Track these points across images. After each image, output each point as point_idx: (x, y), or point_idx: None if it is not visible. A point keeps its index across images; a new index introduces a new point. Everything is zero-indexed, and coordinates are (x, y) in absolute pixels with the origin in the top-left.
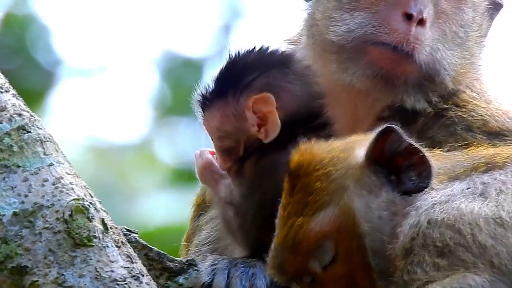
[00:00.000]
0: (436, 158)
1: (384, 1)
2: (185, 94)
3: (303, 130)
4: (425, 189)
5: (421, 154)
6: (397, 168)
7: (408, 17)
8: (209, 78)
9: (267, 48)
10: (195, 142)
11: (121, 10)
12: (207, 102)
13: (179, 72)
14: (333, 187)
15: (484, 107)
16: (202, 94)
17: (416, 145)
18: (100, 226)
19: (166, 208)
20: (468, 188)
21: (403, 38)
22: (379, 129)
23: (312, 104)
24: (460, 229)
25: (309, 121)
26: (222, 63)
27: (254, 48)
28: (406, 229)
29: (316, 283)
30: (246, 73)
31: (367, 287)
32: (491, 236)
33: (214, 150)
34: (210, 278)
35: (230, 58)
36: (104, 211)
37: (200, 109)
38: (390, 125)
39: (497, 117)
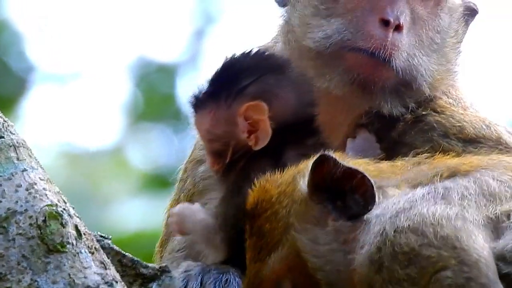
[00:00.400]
0: (398, 170)
1: (361, 7)
2: (158, 100)
3: (293, 138)
4: (372, 208)
5: (360, 175)
6: (340, 194)
7: (385, 23)
8: (203, 80)
9: (264, 52)
10: (167, 148)
11: (94, 16)
12: (199, 103)
13: (152, 78)
14: (281, 226)
15: (461, 113)
16: (195, 95)
17: (354, 167)
18: (74, 232)
19: (139, 214)
20: (429, 193)
21: (380, 44)
22: (313, 158)
23: (305, 111)
24: (424, 231)
25: (299, 129)
26: (215, 68)
27: (251, 51)
28: (371, 238)
29: None
30: (240, 77)
31: None
32: (452, 228)
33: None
34: (183, 285)
35: (226, 60)
36: (78, 217)
37: (192, 110)
38: (324, 153)
39: (474, 124)
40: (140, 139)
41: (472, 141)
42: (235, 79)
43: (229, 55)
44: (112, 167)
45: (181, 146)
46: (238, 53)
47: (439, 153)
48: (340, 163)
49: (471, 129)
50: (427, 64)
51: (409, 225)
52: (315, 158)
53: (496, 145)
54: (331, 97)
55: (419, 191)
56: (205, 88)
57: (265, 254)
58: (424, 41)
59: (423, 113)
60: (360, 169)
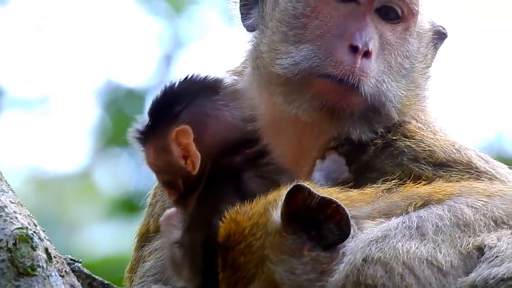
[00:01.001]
0: (371, 200)
1: (330, 33)
2: (126, 125)
3: (241, 159)
4: (348, 238)
5: (335, 204)
6: (315, 224)
7: (354, 49)
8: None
9: (196, 76)
10: (136, 173)
11: (62, 40)
12: (142, 137)
13: (120, 102)
14: (256, 259)
15: (431, 138)
16: (138, 130)
17: (328, 197)
18: (44, 255)
19: (108, 239)
20: (403, 222)
21: (348, 70)
22: (286, 188)
23: (244, 128)
24: (393, 268)
25: (243, 148)
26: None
27: (185, 77)
28: (341, 267)
29: None
30: (173, 105)
31: None
32: (419, 278)
33: None
34: None
35: (160, 91)
36: (48, 240)
37: (139, 145)
38: (298, 184)
39: (444, 148)
40: (108, 163)
41: (442, 165)
42: (168, 107)
43: (166, 85)
44: (80, 192)
45: (150, 170)
46: (173, 82)
47: (410, 178)
48: (315, 193)
49: (441, 153)
50: (396, 89)
51: (379, 257)
52: (288, 188)
53: (467, 169)
54: (299, 123)
55: (394, 221)
56: (145, 121)
57: (240, 287)
58: (393, 66)
59: (393, 138)
60: (334, 198)
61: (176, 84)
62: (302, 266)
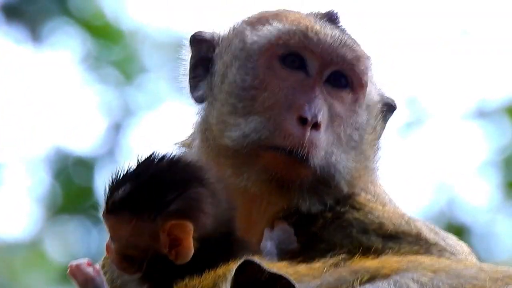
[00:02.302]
0: (319, 275)
1: (279, 105)
2: (76, 193)
3: (218, 250)
4: None
5: (285, 280)
6: None
7: (303, 121)
8: (119, 182)
9: (180, 162)
10: (86, 240)
11: (11, 107)
12: (116, 209)
13: (70, 170)
14: None
15: (380, 210)
16: (111, 199)
17: (278, 272)
18: None
19: None
20: None
21: (297, 142)
22: (236, 263)
23: (226, 219)
24: None
25: (222, 238)
26: (123, 167)
27: (166, 159)
28: None
29: None
30: (163, 192)
31: None
32: None
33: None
34: None
35: (142, 170)
36: None
37: (105, 210)
38: (247, 258)
39: (393, 220)
40: (58, 231)
41: (392, 237)
42: (159, 193)
43: (148, 159)
44: (30, 259)
45: (100, 238)
46: (159, 158)
47: (359, 250)
48: (264, 269)
49: (391, 225)
50: (345, 161)
51: None
52: (238, 263)
53: (416, 240)
54: (248, 195)
55: None
56: (123, 193)
57: None
58: (342, 138)
59: (342, 210)
60: (284, 274)
61: (161, 168)
62: None
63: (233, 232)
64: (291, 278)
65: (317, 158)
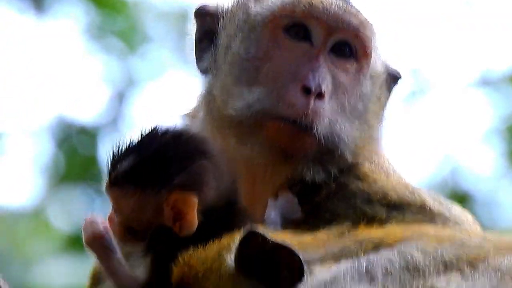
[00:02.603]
0: (323, 244)
1: (282, 76)
2: (79, 162)
3: (222, 220)
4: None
5: (289, 250)
6: (270, 269)
7: (307, 90)
8: (122, 154)
9: (184, 135)
10: (89, 209)
11: (15, 77)
12: (120, 182)
13: (73, 139)
14: None
15: (384, 180)
16: (115, 171)
17: (282, 242)
18: None
19: (61, 275)
20: (353, 266)
21: (301, 112)
22: (240, 233)
23: (229, 191)
24: None
25: (226, 210)
26: (129, 139)
27: (169, 132)
28: None
29: None
30: (168, 166)
31: None
32: None
33: (108, 216)
34: None
35: (147, 144)
36: (2, 278)
37: (108, 182)
38: (251, 229)
39: (397, 190)
40: (61, 200)
41: (396, 207)
42: (163, 166)
43: (152, 132)
44: (34, 228)
45: (103, 207)
46: (162, 131)
47: (363, 220)
48: (268, 239)
49: (395, 195)
50: (350, 131)
51: None
52: (242, 233)
53: (420, 210)
54: (253, 165)
55: (343, 264)
56: (127, 166)
57: None
58: (346, 108)
59: (346, 180)
60: (289, 244)
61: (169, 140)
62: None
63: (236, 203)
64: (295, 248)
65: (321, 127)
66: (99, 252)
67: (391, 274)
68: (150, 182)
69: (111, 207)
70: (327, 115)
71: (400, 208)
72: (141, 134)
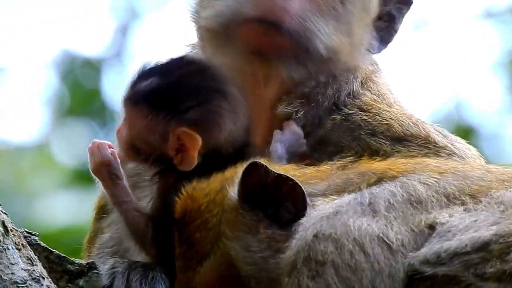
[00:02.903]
0: (324, 176)
1: None
2: (83, 95)
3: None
4: (304, 216)
5: (291, 182)
6: (272, 201)
7: None
8: (146, 73)
9: (209, 70)
10: None
11: (18, 11)
12: (138, 100)
13: (77, 73)
14: (212, 235)
15: (387, 111)
16: (136, 89)
17: (285, 174)
18: (1, 229)
19: (65, 210)
20: (355, 199)
21: (269, 10)
22: (243, 166)
23: (240, 137)
24: (343, 245)
25: (234, 152)
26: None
27: (195, 64)
28: (293, 243)
29: None
30: (185, 97)
31: None
32: (368, 255)
33: (113, 143)
34: (109, 281)
35: (173, 69)
36: (5, 213)
37: (127, 97)
38: (254, 161)
39: (401, 122)
40: (65, 134)
41: (401, 140)
42: (181, 97)
43: (179, 60)
44: (37, 162)
45: (107, 141)
46: (189, 61)
47: (367, 152)
48: (271, 171)
49: (398, 127)
50: (323, 27)
51: (330, 233)
52: (245, 165)
53: (425, 144)
54: (242, 74)
55: (346, 197)
56: (147, 86)
57: (196, 263)
58: (321, 6)
59: (350, 111)
60: (291, 176)
61: (194, 72)
62: (258, 243)
63: (247, 147)
64: (298, 180)
65: (291, 23)
66: (106, 179)
67: (393, 207)
68: (164, 108)
69: (123, 121)
70: (297, 11)
71: (404, 140)
72: (168, 60)
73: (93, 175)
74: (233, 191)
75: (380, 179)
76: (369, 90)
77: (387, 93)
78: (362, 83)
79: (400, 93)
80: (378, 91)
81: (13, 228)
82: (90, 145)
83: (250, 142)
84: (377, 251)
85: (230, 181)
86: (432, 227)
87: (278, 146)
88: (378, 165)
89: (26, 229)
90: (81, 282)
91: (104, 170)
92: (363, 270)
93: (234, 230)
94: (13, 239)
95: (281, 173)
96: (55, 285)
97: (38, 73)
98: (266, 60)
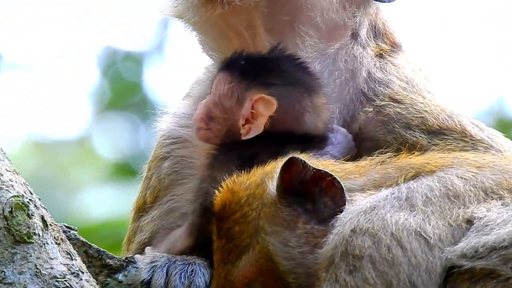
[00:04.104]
0: (363, 171)
1: None
2: (125, 89)
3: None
4: (342, 211)
5: (329, 177)
6: (311, 197)
7: None
8: (242, 54)
9: (304, 65)
10: (134, 136)
11: (61, 4)
12: (229, 68)
13: (119, 66)
14: (251, 229)
15: (421, 103)
16: (232, 59)
17: (323, 170)
18: (40, 223)
19: (106, 203)
20: (393, 193)
21: None
22: (282, 161)
23: (315, 130)
24: (380, 239)
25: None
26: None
27: (294, 57)
28: (330, 238)
29: None
30: (274, 75)
31: None
32: (405, 250)
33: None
34: (149, 275)
35: (273, 51)
36: (44, 208)
37: (221, 66)
38: (293, 156)
39: (436, 114)
40: (107, 127)
41: (437, 133)
42: (270, 72)
43: (279, 48)
44: (79, 156)
45: (148, 134)
46: (286, 51)
47: (405, 146)
48: (310, 166)
49: (434, 120)
50: None
51: (368, 228)
52: (284, 160)
53: (462, 137)
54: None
55: (383, 192)
56: (242, 57)
57: (234, 256)
58: None
59: (382, 103)
60: (329, 171)
61: (289, 61)
62: (296, 238)
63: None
64: (336, 176)
65: None
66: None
67: (431, 201)
68: (250, 76)
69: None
70: None
71: (440, 134)
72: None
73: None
74: (272, 186)
75: (418, 174)
76: (396, 76)
77: (414, 79)
78: (379, 56)
79: (441, 84)
80: (405, 77)
81: (52, 222)
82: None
83: (318, 138)
84: (415, 245)
85: (270, 176)
86: (469, 221)
87: (332, 149)
88: (416, 160)
89: (65, 224)
90: (120, 277)
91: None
92: (400, 265)
93: (273, 225)
94: (52, 233)
95: (320, 169)
96: (94, 280)
97: (80, 67)
98: None
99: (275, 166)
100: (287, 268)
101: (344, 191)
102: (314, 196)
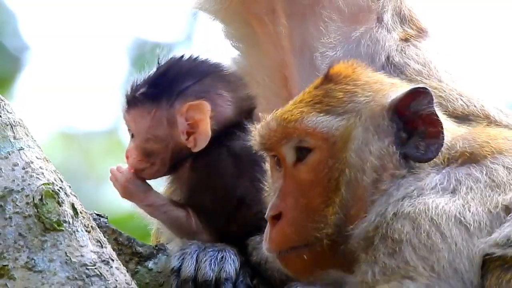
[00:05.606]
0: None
1: None
2: None
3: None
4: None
5: (440, 128)
6: (412, 130)
7: None
8: (138, 82)
9: (198, 57)
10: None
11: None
12: (137, 102)
13: (148, 58)
14: (351, 106)
15: (435, 88)
16: (132, 93)
17: (439, 117)
18: (70, 211)
19: None
20: (441, 184)
21: None
22: (415, 85)
23: (243, 107)
24: (420, 224)
25: (241, 122)
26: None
27: (184, 56)
28: (372, 216)
29: (281, 179)
30: (181, 79)
31: (319, 223)
32: (445, 236)
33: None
34: (179, 263)
35: (162, 64)
36: (74, 195)
37: (126, 106)
38: (425, 87)
39: (453, 99)
40: None
41: (463, 119)
42: (176, 80)
43: (165, 60)
44: (108, 147)
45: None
46: (180, 56)
47: None
48: (432, 105)
49: (458, 104)
50: None
51: (409, 212)
52: (415, 85)
53: (487, 123)
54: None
55: (432, 178)
56: (143, 88)
57: (320, 108)
58: None
59: None
60: (442, 122)
61: (179, 61)
62: (376, 148)
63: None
64: (446, 133)
65: None
66: (136, 194)
67: (473, 189)
68: (164, 94)
69: (129, 132)
70: None
71: (466, 119)
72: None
73: (124, 199)
74: (392, 94)
75: (471, 158)
76: (413, 59)
77: (430, 60)
78: (405, 40)
79: (457, 59)
80: (422, 59)
81: (83, 210)
82: (110, 175)
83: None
84: (455, 232)
85: (394, 87)
86: (508, 208)
87: None
88: (486, 134)
89: (95, 211)
90: (150, 264)
91: (131, 186)
92: (439, 251)
93: (369, 121)
94: (82, 221)
95: (438, 114)
96: (124, 267)
97: (109, 58)
98: None
99: (403, 86)
100: (350, 159)
101: (442, 147)
102: (416, 132)
